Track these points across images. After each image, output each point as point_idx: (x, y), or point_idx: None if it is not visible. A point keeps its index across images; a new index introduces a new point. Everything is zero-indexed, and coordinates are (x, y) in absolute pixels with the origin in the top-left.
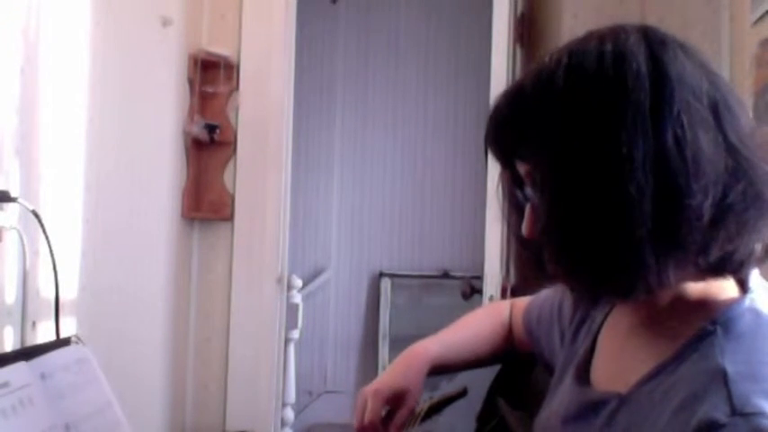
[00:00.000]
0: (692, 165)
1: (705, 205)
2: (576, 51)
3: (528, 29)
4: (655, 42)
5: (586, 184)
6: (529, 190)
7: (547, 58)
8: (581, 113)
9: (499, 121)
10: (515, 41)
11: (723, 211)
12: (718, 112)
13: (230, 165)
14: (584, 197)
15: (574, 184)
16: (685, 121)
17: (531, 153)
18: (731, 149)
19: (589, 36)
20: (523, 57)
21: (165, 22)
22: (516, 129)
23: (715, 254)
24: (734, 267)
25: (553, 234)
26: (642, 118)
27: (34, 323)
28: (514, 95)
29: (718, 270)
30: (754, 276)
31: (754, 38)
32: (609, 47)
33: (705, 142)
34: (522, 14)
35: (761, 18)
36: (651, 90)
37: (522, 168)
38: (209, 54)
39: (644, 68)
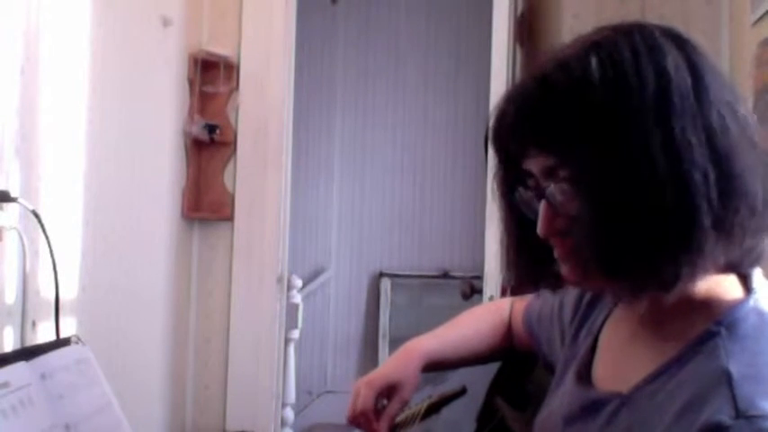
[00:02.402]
0: (740, 151)
1: (759, 190)
2: (604, 43)
3: (528, 29)
4: (677, 38)
5: (643, 174)
6: (551, 186)
7: (568, 50)
8: (625, 106)
9: (524, 114)
10: (515, 41)
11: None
12: (735, 106)
13: (230, 165)
14: (640, 188)
15: (626, 176)
16: (724, 111)
17: (563, 148)
18: (753, 143)
19: (605, 29)
20: (523, 56)
21: (165, 22)
22: (545, 122)
23: (748, 244)
24: (751, 262)
25: (594, 232)
26: (689, 105)
27: (34, 323)
28: (540, 88)
29: (736, 265)
30: (757, 276)
31: (754, 38)
32: (638, 38)
33: (738, 133)
34: (522, 14)
35: (761, 18)
36: (691, 80)
37: (538, 164)
38: (210, 54)
39: (680, 59)
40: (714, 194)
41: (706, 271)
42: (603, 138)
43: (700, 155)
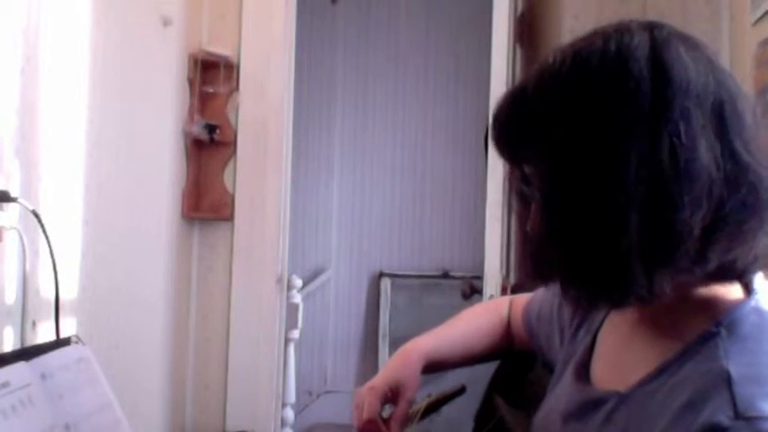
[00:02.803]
0: (684, 176)
1: (695, 218)
2: (580, 52)
3: (528, 29)
4: (659, 42)
5: (578, 191)
6: (534, 189)
7: (550, 59)
8: (579, 118)
9: (501, 124)
10: (515, 41)
11: (719, 220)
12: (722, 114)
13: (230, 165)
14: (575, 205)
15: (567, 191)
16: (682, 129)
17: (532, 155)
18: (734, 155)
19: (594, 35)
20: (523, 57)
21: (165, 22)
22: (517, 131)
23: (713, 263)
24: (736, 274)
25: (550, 238)
26: (639, 126)
27: (34, 323)
28: (516, 97)
29: (719, 276)
30: (759, 278)
31: (754, 38)
32: (612, 47)
33: (703, 150)
34: (522, 14)
35: (761, 18)
36: (651, 96)
37: (527, 169)
38: (209, 54)
39: (645, 72)
40: (635, 220)
41: (660, 289)
42: (556, 152)
43: (633, 178)
